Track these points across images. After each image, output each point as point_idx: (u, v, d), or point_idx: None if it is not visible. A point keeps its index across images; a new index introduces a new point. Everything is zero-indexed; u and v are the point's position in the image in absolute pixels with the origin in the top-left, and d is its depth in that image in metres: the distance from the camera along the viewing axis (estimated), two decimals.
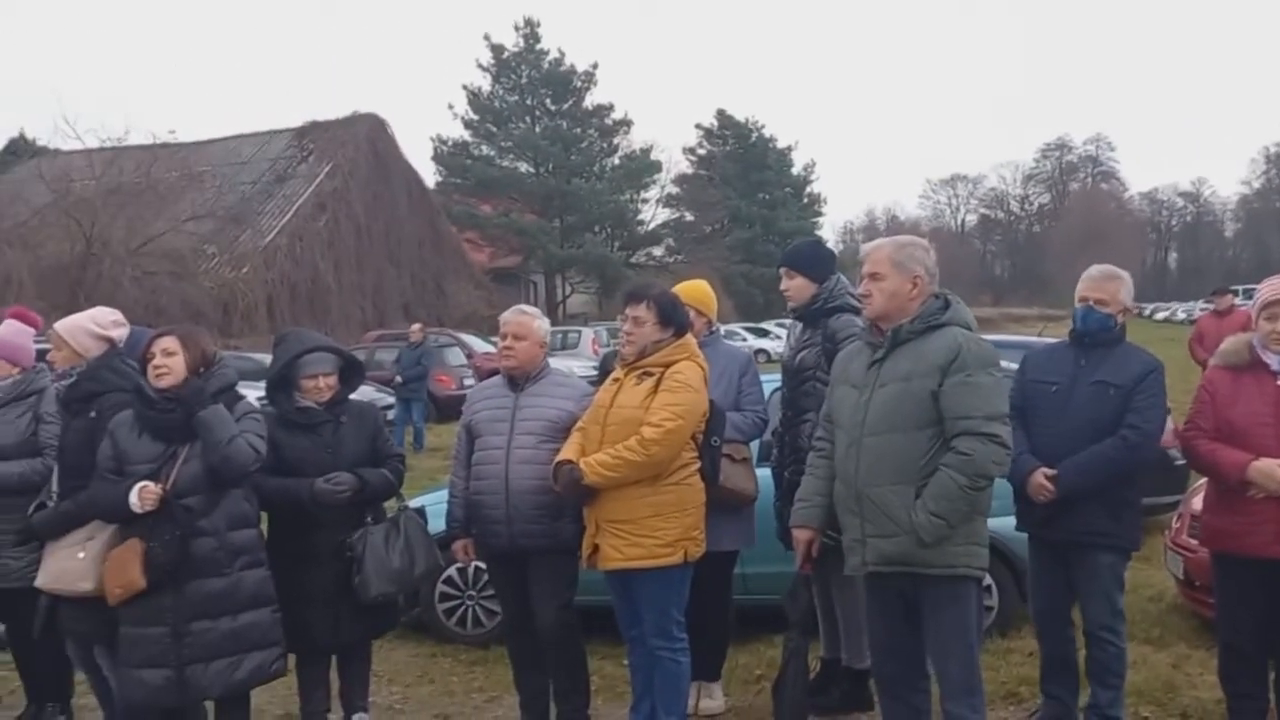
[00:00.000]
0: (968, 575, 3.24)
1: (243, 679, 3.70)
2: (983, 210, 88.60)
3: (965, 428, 3.13)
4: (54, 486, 4.00)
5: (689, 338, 3.97)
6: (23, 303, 19.08)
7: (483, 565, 5.41)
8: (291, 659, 4.06)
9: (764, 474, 4.46)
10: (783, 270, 4.32)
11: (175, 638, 3.60)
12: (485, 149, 42.98)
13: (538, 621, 4.13)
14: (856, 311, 4.07)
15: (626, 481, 3.73)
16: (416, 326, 16.08)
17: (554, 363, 4.48)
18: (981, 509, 3.25)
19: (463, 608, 5.66)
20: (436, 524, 4.41)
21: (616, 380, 3.94)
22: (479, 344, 23.69)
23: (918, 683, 3.43)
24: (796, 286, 4.25)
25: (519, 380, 4.20)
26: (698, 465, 3.86)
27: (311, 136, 31.31)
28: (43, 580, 3.82)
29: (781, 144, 52.28)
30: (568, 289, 41.57)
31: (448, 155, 42.01)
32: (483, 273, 36.26)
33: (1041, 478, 3.78)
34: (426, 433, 14.84)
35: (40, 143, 32.13)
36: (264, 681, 3.84)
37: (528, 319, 4.24)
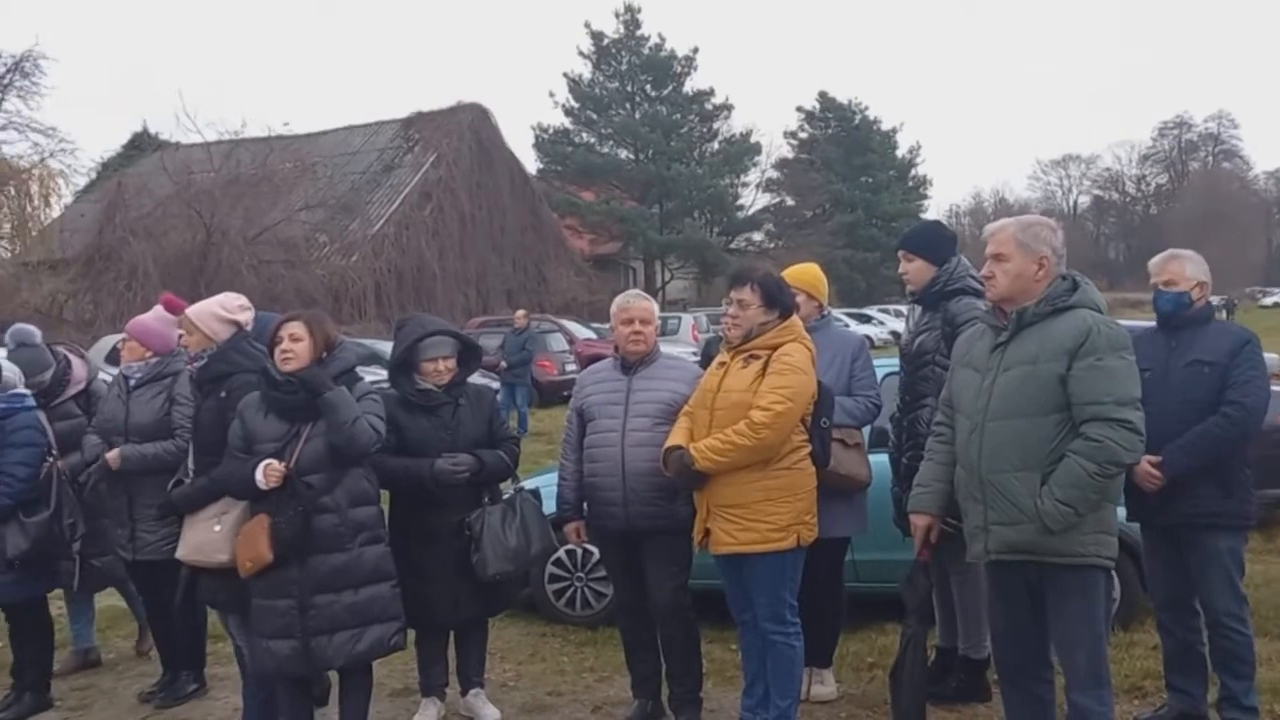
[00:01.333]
0: (1096, 565, 3.15)
1: (364, 651, 3.81)
2: (1096, 191, 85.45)
3: (1095, 413, 3.03)
4: (190, 463, 4.19)
5: (795, 319, 3.93)
6: (148, 290, 19.91)
7: (592, 548, 5.52)
8: (411, 634, 4.17)
9: (877, 460, 4.39)
10: (900, 253, 4.23)
11: (301, 610, 3.72)
12: (586, 136, 43.23)
13: (652, 602, 4.17)
14: (978, 294, 3.97)
15: (737, 466, 3.71)
16: (521, 312, 16.31)
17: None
18: (1111, 497, 3.15)
19: (572, 589, 5.73)
20: (549, 506, 4.47)
21: (723, 364, 3.92)
22: (580, 330, 23.94)
23: (1041, 672, 3.35)
24: (915, 269, 4.16)
25: (632, 364, 4.22)
26: (808, 449, 3.83)
27: (417, 126, 31.93)
28: (183, 552, 4.01)
29: (886, 126, 51.34)
30: (667, 275, 41.57)
31: (549, 143, 42.39)
32: (583, 259, 36.52)
33: (1147, 465, 3.68)
34: (530, 417, 15.05)
35: (163, 137, 33.43)
36: (384, 654, 3.94)
37: (650, 303, 4.29)
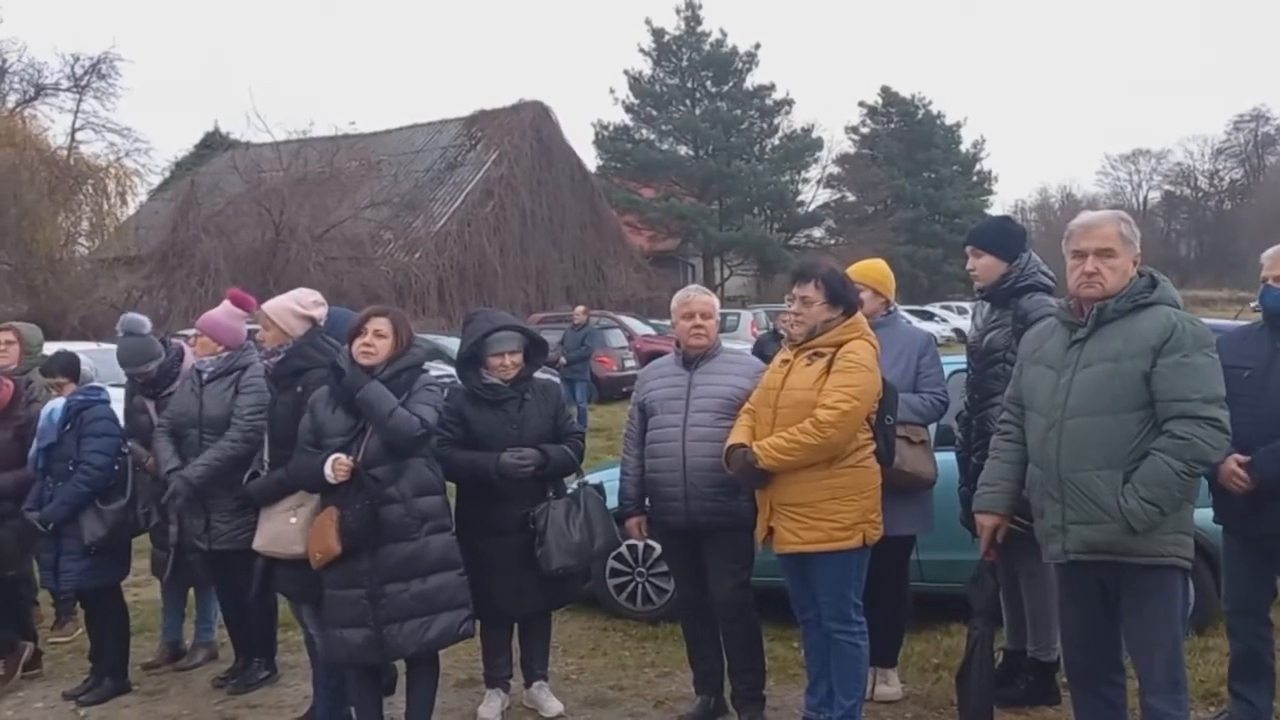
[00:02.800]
0: (1175, 565, 3.08)
1: (433, 639, 3.87)
2: (1167, 187, 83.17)
3: (1181, 410, 2.97)
4: (265, 455, 4.29)
5: (859, 316, 3.89)
6: (219, 287, 20.36)
7: (653, 544, 5.53)
8: (477, 626, 4.21)
9: (942, 458, 4.34)
10: (969, 249, 4.17)
11: (372, 599, 3.79)
12: (645, 133, 43.22)
13: (713, 598, 4.17)
14: (1049, 290, 3.91)
15: (801, 465, 3.69)
16: (580, 309, 16.39)
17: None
18: (1191, 497, 3.09)
19: (632, 584, 5.76)
20: (612, 501, 4.49)
21: (786, 361, 3.89)
22: (639, 326, 23.99)
23: (1113, 676, 3.29)
24: (984, 265, 4.09)
25: (693, 358, 4.22)
26: (874, 447, 3.80)
27: (480, 125, 32.21)
28: (259, 543, 4.10)
29: (949, 120, 50.48)
30: (726, 272, 41.43)
31: (608, 140, 42.47)
32: (642, 256, 36.55)
33: (1234, 464, 3.55)
34: (589, 413, 15.13)
35: (234, 136, 34.17)
36: (454, 642, 4.00)
37: (711, 298, 4.28)
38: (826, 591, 3.82)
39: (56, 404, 4.86)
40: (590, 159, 38.58)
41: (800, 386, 3.76)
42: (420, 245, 27.55)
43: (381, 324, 3.90)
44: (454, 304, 26.49)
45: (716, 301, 4.30)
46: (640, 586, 5.75)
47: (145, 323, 5.23)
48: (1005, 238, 4.15)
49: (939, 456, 4.31)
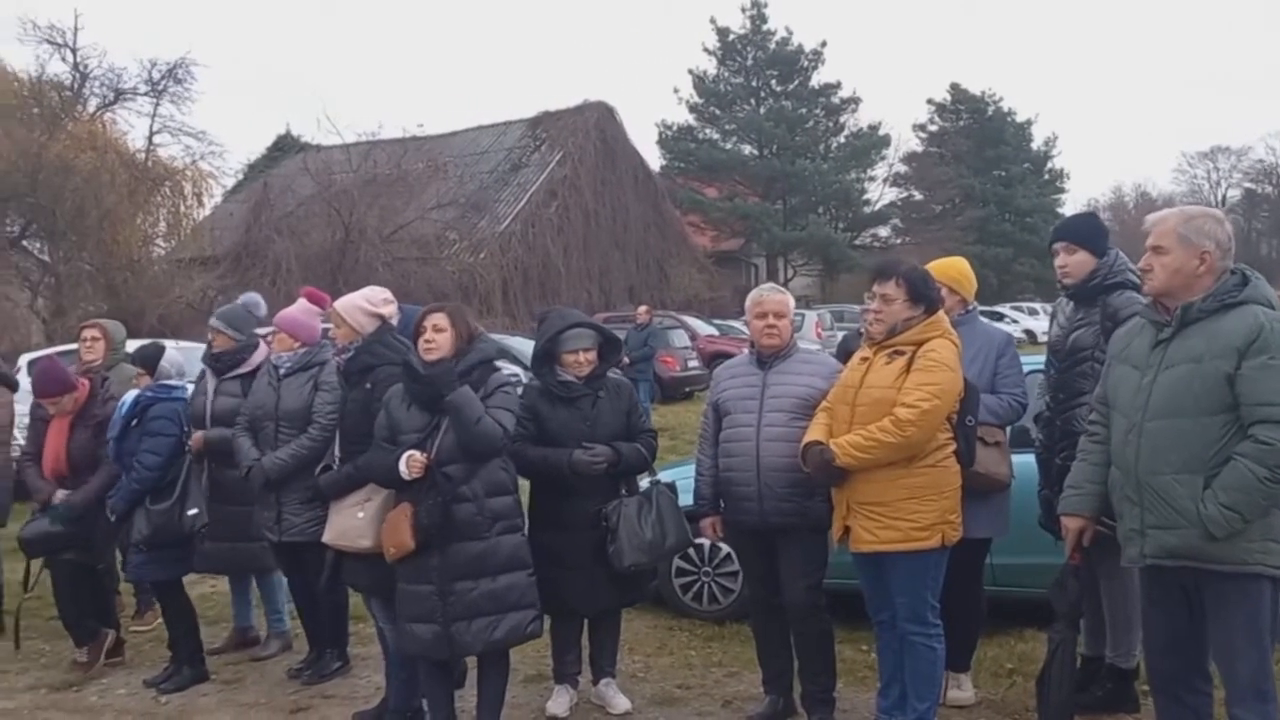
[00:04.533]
0: (1261, 574, 2.97)
1: (501, 637, 3.90)
2: (1247, 184, 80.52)
3: (1266, 415, 2.87)
4: (336, 450, 4.36)
5: (941, 314, 3.83)
6: (290, 286, 20.78)
7: (721, 544, 5.51)
8: (546, 621, 4.24)
9: (1018, 460, 4.24)
10: (1060, 246, 4.05)
11: (441, 596, 3.83)
12: (709, 132, 43.14)
13: (786, 599, 4.13)
14: (1137, 288, 3.81)
15: (880, 464, 3.64)
16: (643, 308, 16.42)
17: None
18: (1278, 503, 2.96)
19: (698, 584, 5.74)
20: (684, 499, 4.48)
21: (865, 359, 3.85)
22: (702, 326, 23.95)
23: (1197, 683, 3.19)
24: (1076, 262, 3.98)
25: (768, 358, 4.19)
26: (953, 447, 3.73)
27: (544, 126, 32.41)
28: (329, 536, 4.18)
29: (1020, 117, 49.55)
30: (790, 271, 41.15)
31: (672, 140, 42.47)
32: (705, 256, 36.49)
33: None
34: (652, 412, 15.14)
35: (305, 139, 34.85)
36: (520, 641, 4.03)
37: (785, 297, 4.24)
38: (903, 592, 3.76)
39: (129, 396, 4.99)
40: (654, 159, 38.64)
41: (879, 385, 3.71)
42: (485, 245, 27.82)
43: (438, 319, 3.95)
44: (518, 304, 26.73)
45: (791, 300, 4.26)
46: (706, 586, 5.72)
47: (261, 306, 5.34)
48: (1097, 233, 4.05)
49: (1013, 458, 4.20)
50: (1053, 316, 4.32)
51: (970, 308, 4.35)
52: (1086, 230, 4.10)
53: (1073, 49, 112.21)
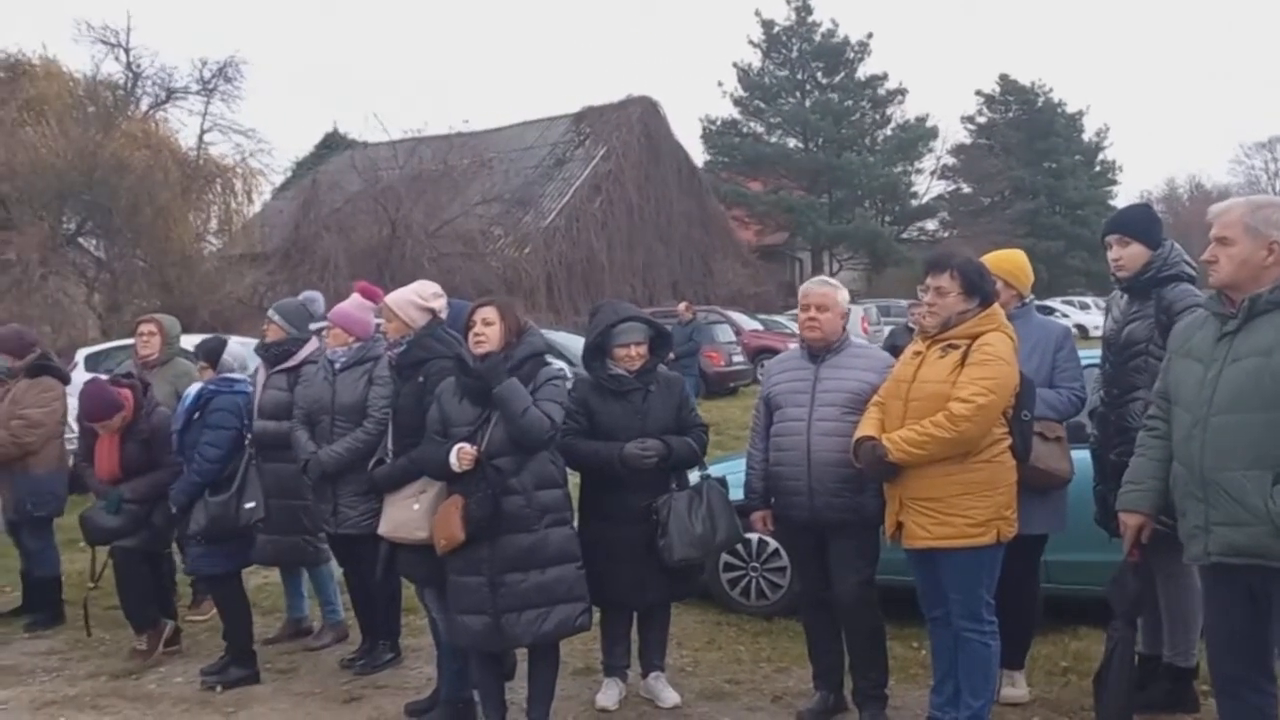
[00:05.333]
0: None
1: (550, 630, 3.92)
2: None
3: None
4: (389, 444, 4.40)
5: (996, 307, 3.77)
6: (339, 282, 21.01)
7: (768, 539, 5.49)
8: (596, 614, 4.25)
9: (1075, 456, 4.17)
10: (1113, 238, 3.98)
11: (491, 587, 3.86)
12: (754, 126, 43.01)
13: (837, 596, 4.10)
14: (1192, 280, 3.74)
15: (934, 459, 3.60)
16: (684, 304, 16.44)
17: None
18: None
19: (746, 579, 5.72)
20: (735, 494, 4.46)
21: (918, 353, 3.80)
22: (747, 321, 23.87)
23: (1262, 683, 3.11)
24: (1130, 255, 3.91)
25: (819, 352, 4.16)
26: (1009, 442, 3.67)
27: (588, 121, 32.50)
28: (384, 528, 4.22)
29: (1071, 109, 48.78)
30: (835, 265, 40.90)
31: (716, 134, 42.40)
32: (749, 250, 36.38)
33: None
34: (697, 408, 15.11)
35: (351, 136, 35.24)
36: (570, 634, 4.05)
37: (831, 290, 4.19)
38: (957, 589, 3.72)
39: (193, 389, 5.07)
40: (698, 154, 38.61)
41: (933, 379, 3.66)
42: (530, 241, 27.97)
43: (488, 312, 3.98)
44: (562, 299, 26.85)
45: (838, 294, 4.19)
46: (754, 581, 5.70)
47: (320, 303, 5.40)
48: (1151, 225, 3.98)
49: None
50: (1107, 310, 4.25)
51: (1026, 300, 4.29)
52: (1141, 222, 4.02)
53: (1125, 38, 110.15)
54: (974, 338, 3.66)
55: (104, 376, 5.72)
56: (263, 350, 5.31)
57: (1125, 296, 4.03)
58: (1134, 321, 3.90)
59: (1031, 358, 4.00)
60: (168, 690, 4.92)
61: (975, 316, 3.69)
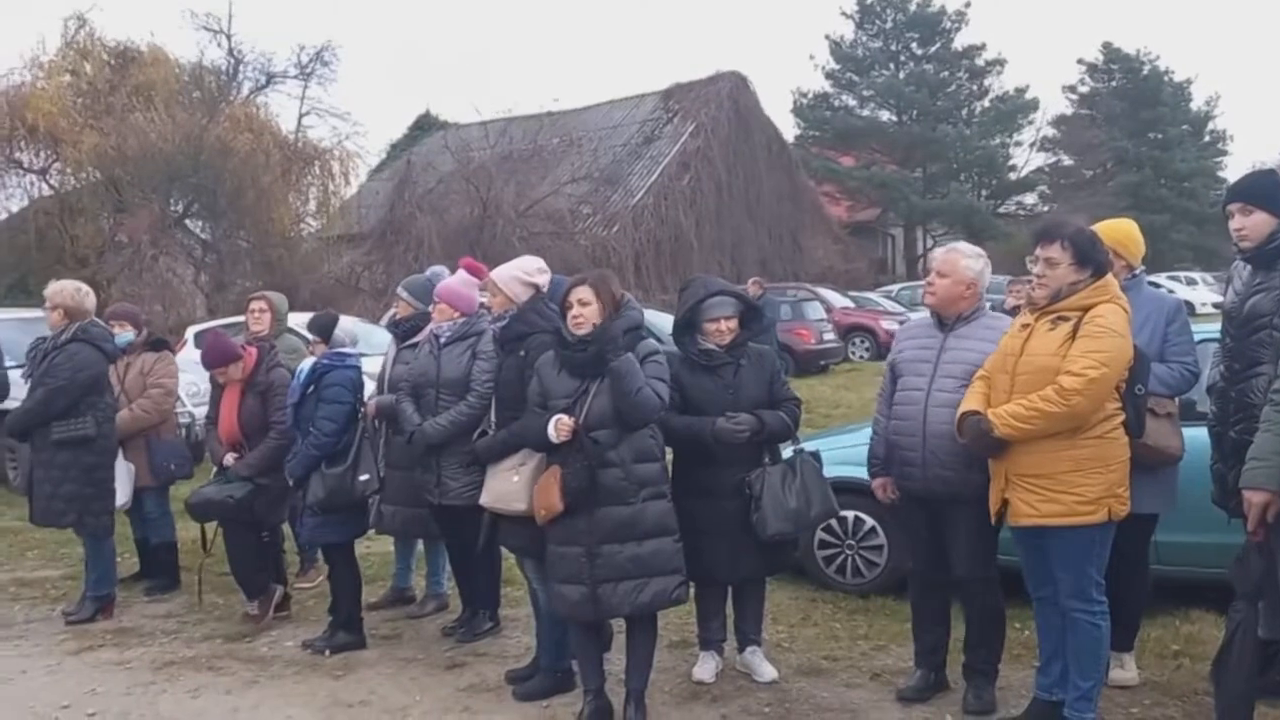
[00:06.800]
0: None
1: (646, 602, 3.95)
2: None
3: None
4: (492, 416, 4.48)
5: (1109, 278, 3.64)
6: (432, 261, 21.42)
7: (864, 516, 5.44)
8: (691, 589, 4.26)
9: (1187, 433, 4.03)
10: (1235, 206, 3.80)
11: (589, 558, 3.90)
12: (846, 99, 42.26)
13: (955, 571, 4.04)
14: None
15: (1042, 434, 3.50)
16: (754, 280, 16.37)
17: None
18: None
19: (842, 556, 5.68)
20: (832, 470, 4.45)
21: (1026, 326, 3.70)
22: (837, 298, 23.57)
23: None
24: (1255, 224, 3.73)
25: (947, 319, 4.07)
26: (1121, 417, 3.56)
27: (677, 98, 32.31)
28: (485, 499, 4.30)
29: (1179, 77, 46.69)
30: (929, 241, 40.04)
31: (807, 108, 41.79)
32: (840, 226, 35.85)
33: None
34: None
35: (443, 118, 35.73)
36: (666, 606, 4.06)
37: (955, 256, 4.09)
38: (1066, 568, 3.63)
39: (307, 363, 5.22)
40: (788, 129, 38.11)
41: (1042, 352, 3.55)
42: (618, 219, 28.00)
43: (583, 292, 3.99)
44: (650, 277, 26.81)
45: (963, 260, 4.04)
46: (850, 559, 5.66)
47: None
48: (1277, 192, 3.78)
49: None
50: (1228, 282, 4.06)
51: (1137, 272, 4.15)
52: (1266, 189, 3.82)
53: (1237, 2, 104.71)
54: (1085, 310, 3.54)
55: None
56: (393, 326, 5.45)
57: (1248, 268, 3.85)
58: (1258, 294, 3.73)
59: (1142, 331, 3.87)
60: (279, 653, 5.11)
61: (1087, 288, 3.58)
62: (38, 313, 7.19)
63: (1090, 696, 3.67)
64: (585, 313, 3.96)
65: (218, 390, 5.61)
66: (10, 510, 7.01)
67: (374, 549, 6.43)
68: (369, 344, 5.61)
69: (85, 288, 5.94)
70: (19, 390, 6.24)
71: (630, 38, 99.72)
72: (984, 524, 3.92)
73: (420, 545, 5.83)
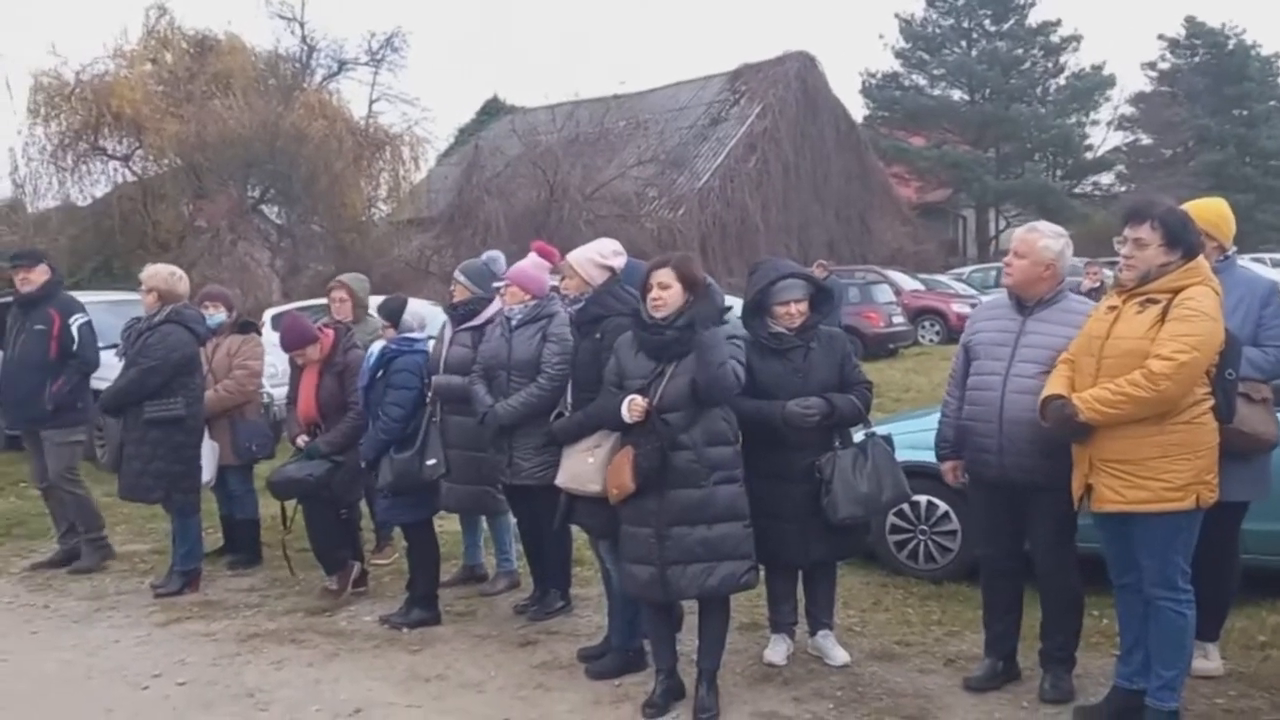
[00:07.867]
0: None
1: (715, 585, 3.95)
2: None
3: None
4: (569, 398, 4.52)
5: (1201, 260, 3.53)
6: (499, 245, 21.57)
7: (937, 501, 5.38)
8: (762, 572, 4.26)
9: None
10: None
11: (659, 539, 3.92)
12: (916, 78, 41.49)
13: (1034, 559, 3.98)
14: None
15: (1128, 419, 3.42)
16: (818, 263, 16.26)
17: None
18: None
19: (914, 542, 5.63)
20: (903, 454, 4.39)
21: (1113, 308, 3.61)
22: (907, 281, 23.23)
23: None
24: None
25: (1027, 303, 3.99)
26: (1211, 403, 3.47)
27: (744, 79, 32.04)
28: (561, 479, 4.34)
29: (1266, 51, 44.92)
30: (1002, 223, 39.22)
31: (876, 88, 41.12)
32: (910, 208, 35.29)
33: None
34: None
35: (510, 102, 35.94)
36: (735, 590, 4.06)
37: (1034, 235, 3.99)
38: (1151, 555, 3.55)
39: (375, 347, 5.32)
40: (857, 109, 37.56)
41: (1129, 335, 3.47)
42: (684, 202, 27.92)
43: (663, 275, 3.99)
44: (716, 260, 26.66)
45: (1042, 240, 3.93)
46: (923, 544, 5.61)
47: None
48: None
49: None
50: None
51: (1229, 253, 4.03)
52: None
53: None
54: (1175, 292, 3.45)
55: None
56: (450, 309, 5.54)
57: None
58: None
59: (1235, 313, 3.76)
60: (358, 628, 5.23)
61: (1178, 269, 3.48)
62: (128, 294, 7.43)
63: (1173, 685, 3.60)
64: (665, 295, 3.96)
65: (296, 372, 5.75)
66: (99, 487, 7.24)
67: (446, 527, 6.54)
68: (437, 327, 5.68)
69: (179, 271, 6.17)
70: (109, 372, 6.45)
71: (697, 19, 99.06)
72: (1064, 510, 3.85)
73: (485, 523, 5.91)
